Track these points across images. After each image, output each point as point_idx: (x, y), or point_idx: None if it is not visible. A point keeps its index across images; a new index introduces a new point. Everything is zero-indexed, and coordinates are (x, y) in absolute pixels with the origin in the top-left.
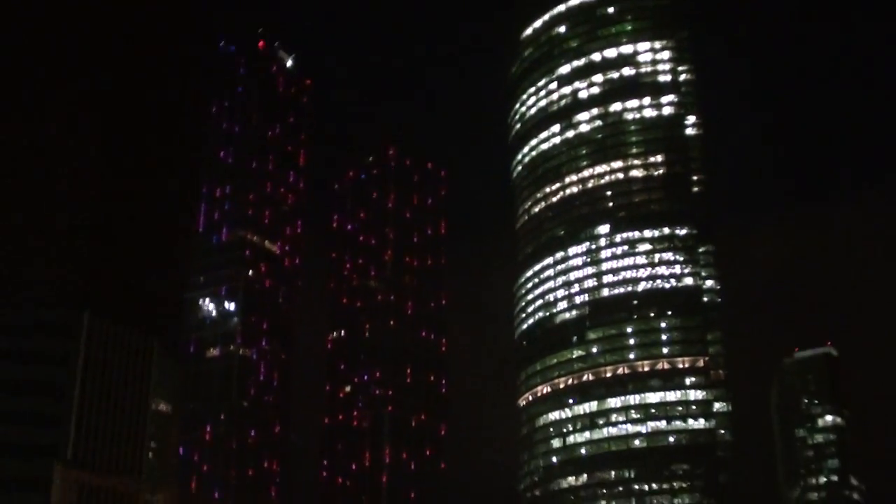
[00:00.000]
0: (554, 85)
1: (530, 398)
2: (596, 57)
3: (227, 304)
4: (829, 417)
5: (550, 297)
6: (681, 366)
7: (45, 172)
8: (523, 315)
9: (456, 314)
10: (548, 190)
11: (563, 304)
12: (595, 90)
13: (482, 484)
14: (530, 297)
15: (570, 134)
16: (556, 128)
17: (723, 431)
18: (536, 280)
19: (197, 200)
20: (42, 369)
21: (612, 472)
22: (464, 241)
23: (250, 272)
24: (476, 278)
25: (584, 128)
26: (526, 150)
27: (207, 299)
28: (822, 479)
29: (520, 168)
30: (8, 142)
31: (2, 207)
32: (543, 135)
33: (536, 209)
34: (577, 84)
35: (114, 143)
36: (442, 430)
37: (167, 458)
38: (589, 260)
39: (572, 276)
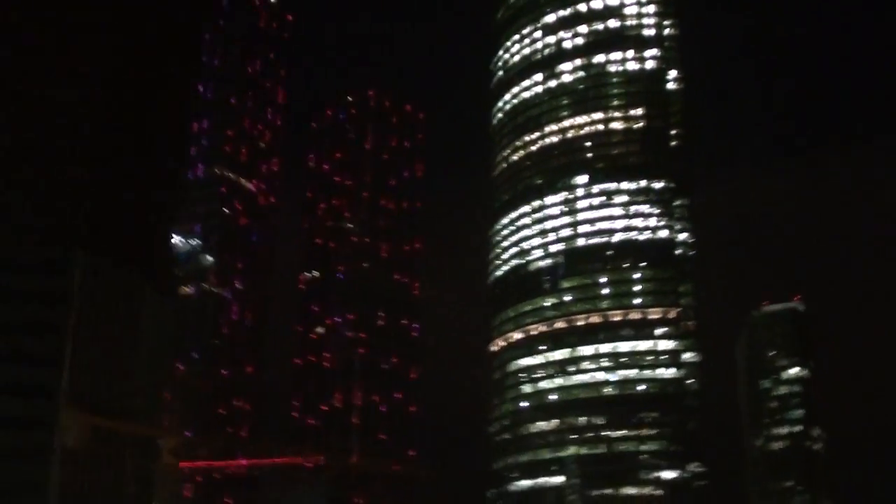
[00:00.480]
0: (538, 33)
1: (502, 344)
2: (582, 7)
3: (201, 242)
4: (794, 370)
5: (526, 244)
6: (652, 316)
7: (36, 108)
8: (498, 262)
9: (430, 258)
10: (527, 138)
11: (538, 252)
12: (579, 41)
13: (452, 427)
14: (506, 244)
15: (553, 83)
16: (538, 76)
17: (691, 381)
18: (513, 227)
19: (186, 137)
20: (37, 309)
21: (583, 418)
22: (440, 185)
23: (225, 210)
24: (451, 224)
25: (566, 78)
26: (507, 97)
27: (181, 236)
28: (786, 430)
29: (500, 115)
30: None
31: None
32: (525, 83)
33: (515, 157)
34: (561, 34)
35: (104, 78)
36: (412, 373)
37: (160, 399)
38: (566, 209)
39: (548, 224)
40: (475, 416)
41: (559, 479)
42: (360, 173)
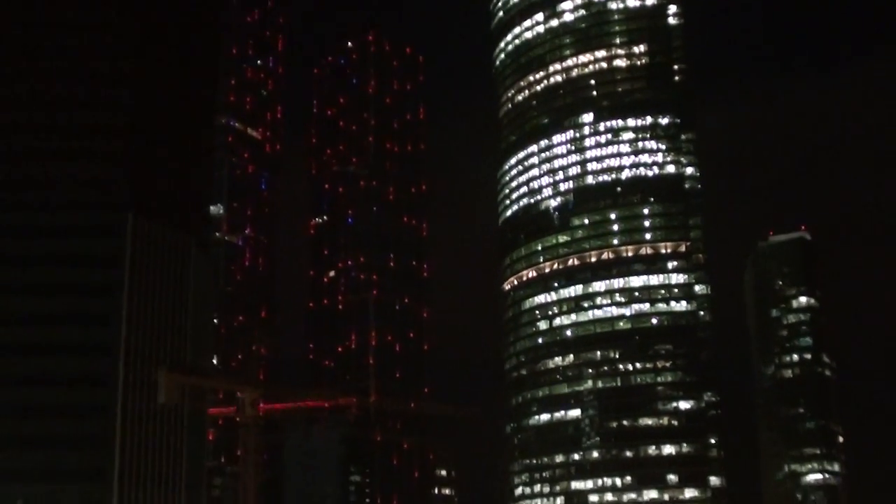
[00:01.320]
0: None
1: (515, 282)
2: None
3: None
4: (802, 299)
5: (535, 184)
6: (663, 251)
7: (80, 85)
8: (507, 202)
9: (438, 200)
10: (531, 78)
11: (547, 191)
12: None
13: (465, 364)
14: (514, 184)
15: (555, 23)
16: (539, 16)
17: (703, 313)
18: (521, 167)
19: (215, 99)
20: (93, 271)
21: (598, 353)
22: (444, 127)
23: (233, 159)
24: (457, 165)
25: (567, 17)
26: (509, 38)
27: None
28: (796, 357)
29: (503, 56)
30: (47, 49)
31: (45, 111)
32: (527, 23)
33: (520, 97)
34: None
35: (144, 50)
36: (424, 312)
37: (210, 352)
38: (573, 148)
39: (557, 163)
40: (488, 353)
41: (576, 413)
42: (364, 118)
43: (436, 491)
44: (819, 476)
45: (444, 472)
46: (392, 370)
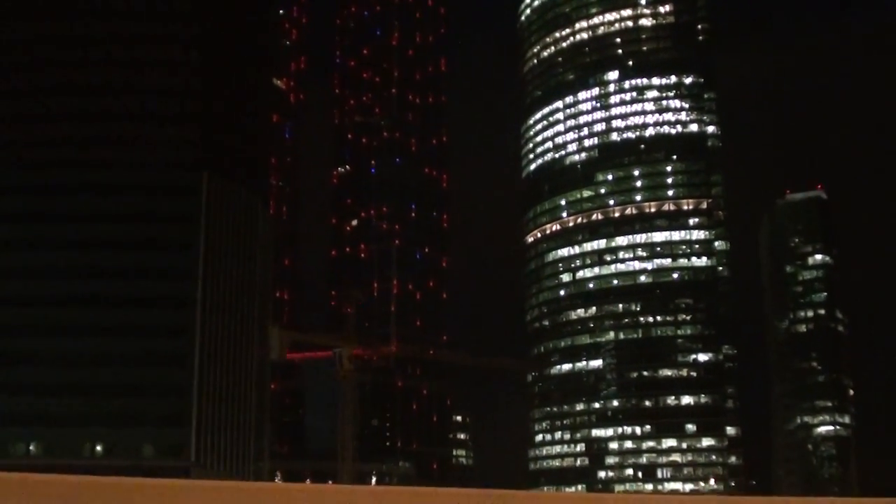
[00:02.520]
0: None
1: (539, 235)
2: None
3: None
4: (818, 256)
5: (560, 139)
6: (685, 207)
7: (160, 58)
8: (531, 156)
9: (459, 152)
10: (557, 35)
11: (572, 147)
12: None
13: (484, 313)
14: (539, 139)
15: None
16: None
17: (721, 268)
18: (546, 123)
19: (270, 65)
20: (171, 228)
21: (619, 305)
22: (466, 80)
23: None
24: (478, 118)
25: None
26: None
27: None
28: (810, 313)
29: (528, 12)
30: (125, 14)
31: (122, 82)
32: None
33: (545, 53)
34: None
35: (209, 15)
36: (444, 262)
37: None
38: (598, 105)
39: (582, 119)
40: (508, 303)
41: (597, 363)
42: (387, 69)
43: (451, 436)
44: (830, 427)
45: (458, 418)
46: (412, 318)
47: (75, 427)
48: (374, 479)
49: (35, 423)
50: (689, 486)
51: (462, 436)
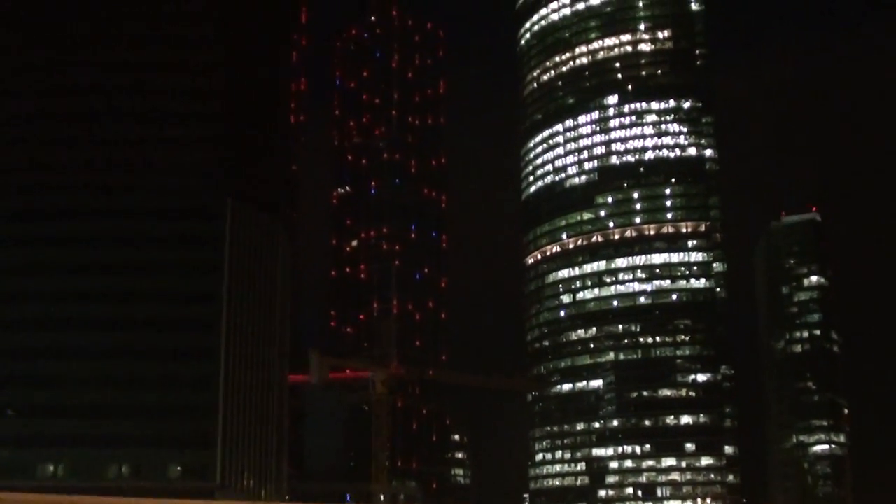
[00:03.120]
0: None
1: (539, 256)
2: None
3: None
4: (813, 278)
5: (560, 162)
6: (684, 230)
7: (183, 85)
8: (531, 178)
9: (458, 173)
10: (557, 59)
11: (572, 170)
12: None
13: (483, 333)
14: (539, 161)
15: (581, 6)
16: None
17: (719, 290)
18: (545, 145)
19: (289, 100)
20: (196, 250)
21: (619, 326)
22: (464, 103)
23: None
24: (478, 140)
25: (593, 1)
26: (535, 18)
27: None
28: (805, 333)
29: (528, 36)
30: (148, 41)
31: (147, 106)
32: (553, 5)
33: (545, 77)
34: None
35: (231, 42)
36: (443, 282)
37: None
38: (598, 128)
39: (582, 143)
40: (506, 323)
41: (597, 383)
42: (388, 91)
43: (449, 455)
44: (825, 446)
45: (457, 437)
46: (412, 338)
47: (101, 448)
48: (381, 499)
49: (60, 444)
50: None
51: (459, 455)
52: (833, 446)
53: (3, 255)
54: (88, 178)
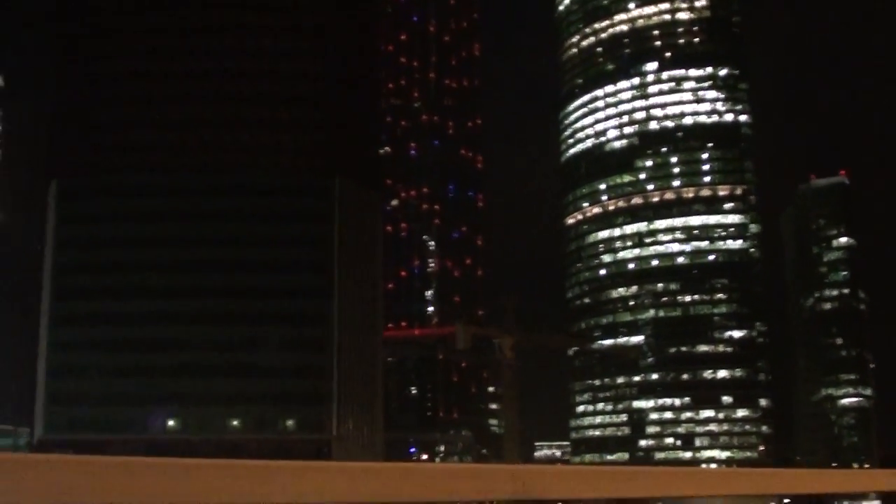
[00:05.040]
0: None
1: (579, 217)
2: None
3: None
4: (841, 239)
5: (600, 126)
6: (721, 192)
7: (291, 58)
8: (571, 141)
9: (494, 136)
10: (597, 26)
11: (612, 134)
12: None
13: (519, 290)
14: (579, 125)
15: None
16: None
17: (754, 250)
18: (585, 110)
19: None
20: (308, 226)
21: (659, 285)
22: (502, 66)
23: None
24: (513, 103)
25: None
26: None
27: None
28: (834, 292)
29: (567, 2)
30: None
31: (262, 97)
32: None
33: (585, 43)
34: None
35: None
36: (479, 241)
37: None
38: (637, 94)
39: (621, 108)
40: (543, 280)
41: (638, 339)
42: (426, 54)
43: (484, 406)
44: (852, 399)
45: (491, 389)
46: (451, 295)
47: (216, 405)
48: (441, 448)
49: (177, 402)
50: (725, 454)
51: (495, 406)
52: (860, 399)
53: (135, 229)
54: (211, 159)
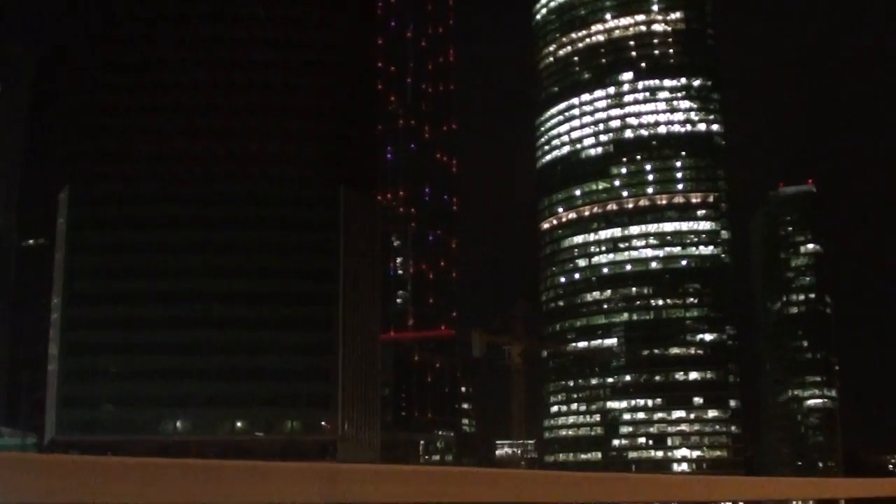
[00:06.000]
0: None
1: (554, 222)
2: None
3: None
4: (809, 245)
5: (575, 134)
6: (693, 200)
7: (295, 76)
8: (547, 147)
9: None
10: (573, 36)
11: (588, 141)
12: None
13: (493, 292)
14: (555, 132)
15: None
16: None
17: (725, 256)
18: (561, 117)
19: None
20: (315, 234)
21: (632, 289)
22: (478, 73)
23: None
24: (489, 109)
25: None
26: None
27: None
28: (801, 296)
29: (544, 12)
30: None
31: (270, 108)
32: None
33: (562, 52)
34: None
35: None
36: (453, 243)
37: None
38: (613, 103)
39: (597, 116)
40: (515, 283)
41: (612, 341)
42: (403, 59)
43: (457, 406)
44: (818, 400)
45: (463, 389)
46: (426, 297)
47: (222, 407)
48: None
49: (184, 404)
50: (696, 454)
51: (465, 405)
52: (825, 400)
53: (145, 235)
54: (222, 168)
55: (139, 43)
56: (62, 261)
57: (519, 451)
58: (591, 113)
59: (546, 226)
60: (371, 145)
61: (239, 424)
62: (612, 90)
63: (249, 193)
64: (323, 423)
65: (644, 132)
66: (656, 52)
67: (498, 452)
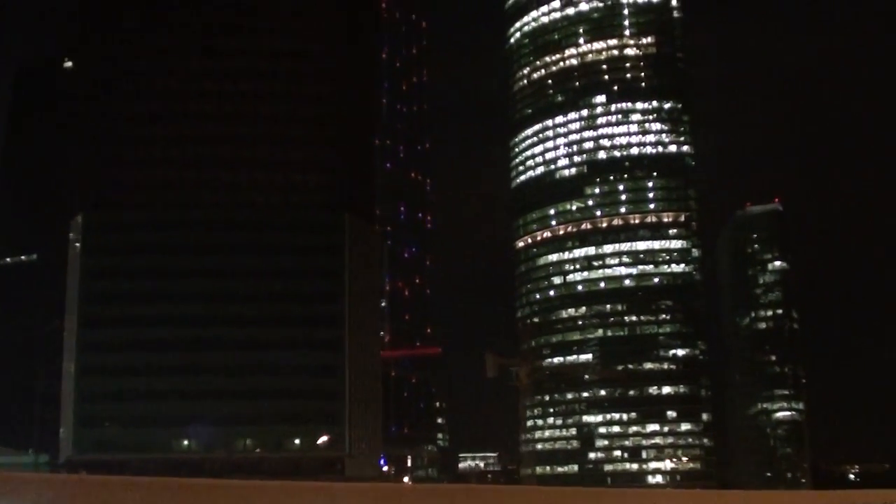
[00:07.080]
0: None
1: (529, 241)
2: None
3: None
4: (776, 262)
5: (549, 155)
6: (665, 219)
7: (299, 108)
8: (521, 168)
9: (446, 160)
10: (547, 59)
11: (562, 162)
12: None
13: (468, 309)
14: (529, 153)
15: (570, 11)
16: (556, 3)
17: (696, 274)
18: (535, 139)
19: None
20: (321, 259)
21: (607, 306)
22: (452, 94)
23: None
24: (463, 129)
25: (582, 6)
26: (526, 19)
27: None
28: (769, 312)
29: (518, 35)
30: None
31: (276, 139)
32: (544, 8)
33: (535, 75)
34: None
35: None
36: (427, 261)
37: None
38: (586, 125)
39: (571, 138)
40: (491, 299)
41: (586, 357)
42: (378, 80)
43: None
44: (786, 413)
45: (437, 404)
46: (402, 313)
47: (231, 426)
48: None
49: (194, 423)
50: (669, 465)
51: (440, 420)
52: (792, 413)
53: (156, 261)
54: (229, 196)
55: (150, 76)
56: (77, 284)
57: (482, 465)
58: (565, 134)
59: (521, 244)
60: (370, 174)
61: (248, 442)
62: (585, 112)
63: (257, 221)
64: (324, 438)
65: (616, 153)
66: (628, 75)
67: (461, 465)
